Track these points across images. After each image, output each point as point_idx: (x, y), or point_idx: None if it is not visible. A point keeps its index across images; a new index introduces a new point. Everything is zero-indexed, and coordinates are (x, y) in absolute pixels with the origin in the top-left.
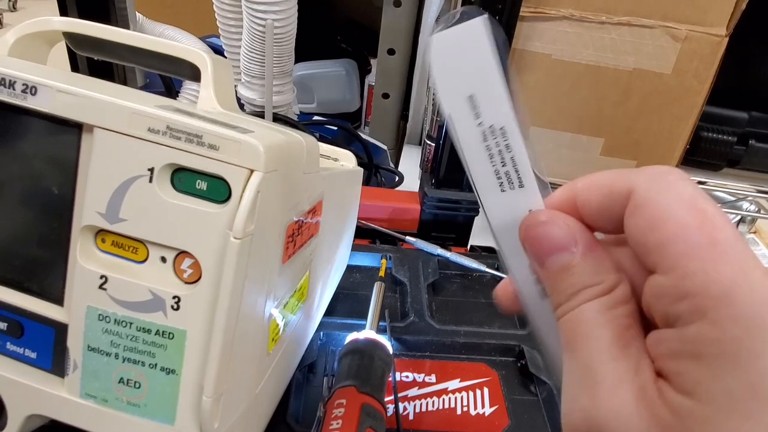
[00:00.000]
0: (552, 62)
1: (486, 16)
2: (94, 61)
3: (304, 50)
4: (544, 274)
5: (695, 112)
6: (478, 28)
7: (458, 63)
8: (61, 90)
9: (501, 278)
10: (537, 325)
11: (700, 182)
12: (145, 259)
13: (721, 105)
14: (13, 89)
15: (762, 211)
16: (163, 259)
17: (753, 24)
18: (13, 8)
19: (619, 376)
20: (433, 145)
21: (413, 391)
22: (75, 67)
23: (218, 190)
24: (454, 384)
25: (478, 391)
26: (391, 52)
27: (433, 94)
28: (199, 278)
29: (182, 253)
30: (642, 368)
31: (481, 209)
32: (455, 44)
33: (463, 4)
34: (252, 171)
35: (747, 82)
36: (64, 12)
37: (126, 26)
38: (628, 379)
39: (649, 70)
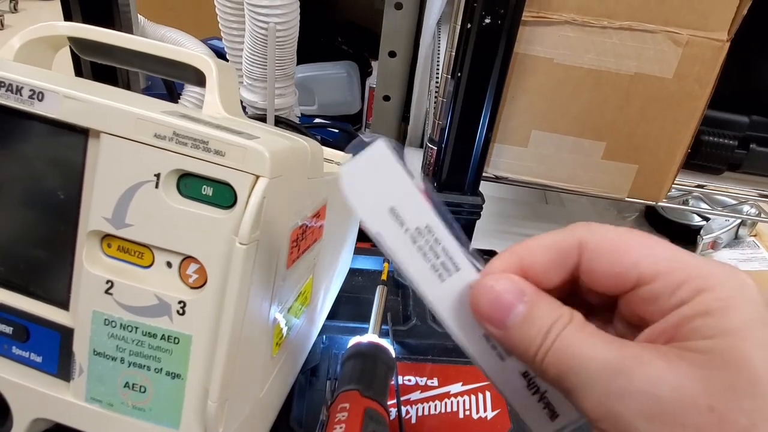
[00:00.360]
0: (553, 66)
1: (383, 138)
2: (97, 65)
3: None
4: (508, 334)
5: (696, 117)
6: (382, 148)
7: (374, 183)
8: (68, 96)
9: None
10: (503, 390)
11: (699, 186)
12: (151, 264)
13: (722, 109)
14: (20, 95)
15: (762, 215)
16: (169, 264)
17: (754, 29)
18: (14, 9)
19: (638, 353)
20: (435, 148)
21: (415, 395)
22: (78, 71)
23: (224, 196)
24: (456, 388)
25: (480, 395)
26: (392, 54)
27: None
28: (205, 283)
29: (188, 258)
30: (647, 345)
31: (427, 304)
32: (369, 167)
33: (466, 6)
34: (258, 177)
35: (748, 87)
36: (68, 16)
37: (129, 29)
38: (649, 352)
39: (650, 75)
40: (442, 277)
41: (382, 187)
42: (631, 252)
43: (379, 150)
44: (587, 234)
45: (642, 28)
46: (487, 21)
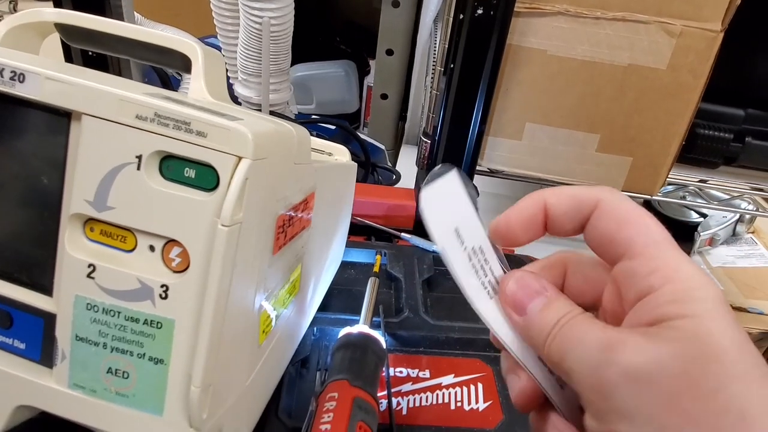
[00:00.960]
0: (547, 58)
1: (456, 169)
2: (88, 56)
3: (304, 52)
4: (526, 321)
5: (691, 108)
6: (454, 178)
7: (444, 206)
8: (50, 77)
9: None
10: (552, 397)
11: (698, 180)
12: (134, 248)
13: (718, 102)
14: (2, 77)
15: (760, 209)
16: (152, 248)
17: (749, 20)
18: (14, 10)
19: (625, 334)
20: (429, 142)
21: (407, 387)
22: (69, 61)
23: (206, 178)
24: (448, 379)
25: (472, 387)
26: (389, 52)
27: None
28: (188, 267)
29: (171, 242)
30: (632, 329)
31: (479, 316)
32: (440, 194)
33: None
34: (240, 158)
35: (743, 80)
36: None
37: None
38: (634, 332)
39: (644, 66)
40: (490, 294)
41: (451, 210)
42: (631, 226)
43: (451, 179)
44: (607, 195)
45: (635, 18)
46: (480, 12)
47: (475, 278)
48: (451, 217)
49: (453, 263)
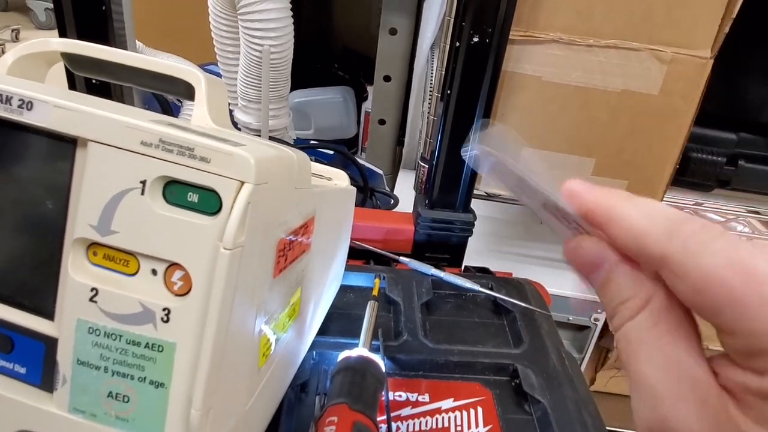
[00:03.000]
0: (542, 84)
1: (501, 126)
2: (91, 83)
3: (303, 78)
4: (596, 291)
5: (683, 132)
6: (493, 139)
7: (496, 165)
8: (57, 105)
9: (495, 298)
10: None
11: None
12: (136, 272)
13: (710, 126)
14: (10, 104)
15: (755, 232)
16: (154, 272)
17: (738, 46)
18: (16, 39)
19: (678, 393)
20: (427, 166)
21: (406, 411)
22: (73, 89)
23: (209, 202)
24: (447, 403)
25: (472, 411)
26: (387, 78)
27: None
28: (190, 290)
29: (173, 265)
30: (700, 382)
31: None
32: (488, 152)
33: (455, 26)
34: (243, 183)
35: (735, 104)
36: (63, 36)
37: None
38: (687, 395)
39: (637, 92)
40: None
41: (503, 170)
42: (710, 292)
43: (491, 140)
44: (675, 249)
45: (627, 46)
46: (476, 40)
47: (557, 223)
48: (507, 176)
49: (534, 209)
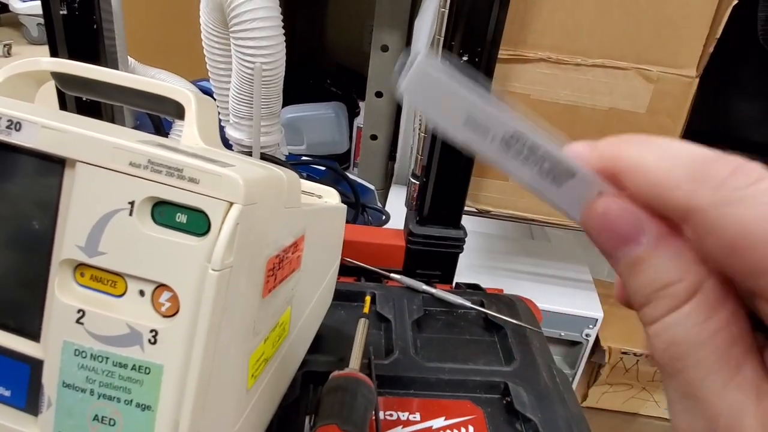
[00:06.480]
0: (531, 102)
1: (425, 54)
2: (82, 102)
3: (295, 94)
4: (617, 269)
5: None
6: (423, 68)
7: (434, 100)
8: (46, 126)
9: (486, 314)
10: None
11: None
12: (124, 293)
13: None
14: None
15: None
16: (142, 293)
17: (722, 66)
18: (8, 54)
19: (738, 406)
20: (418, 183)
21: (397, 430)
22: (63, 107)
23: (198, 223)
24: (439, 422)
25: (464, 429)
26: (378, 94)
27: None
28: (177, 311)
29: (161, 287)
30: (764, 391)
31: (553, 207)
32: (419, 87)
33: (444, 44)
34: (231, 204)
35: (720, 121)
36: (54, 54)
37: (115, 68)
38: (749, 408)
39: (624, 110)
40: (557, 182)
41: (445, 102)
42: (748, 253)
43: (423, 69)
44: (706, 200)
45: (614, 65)
46: (465, 58)
47: (527, 169)
48: (451, 109)
49: (488, 158)
